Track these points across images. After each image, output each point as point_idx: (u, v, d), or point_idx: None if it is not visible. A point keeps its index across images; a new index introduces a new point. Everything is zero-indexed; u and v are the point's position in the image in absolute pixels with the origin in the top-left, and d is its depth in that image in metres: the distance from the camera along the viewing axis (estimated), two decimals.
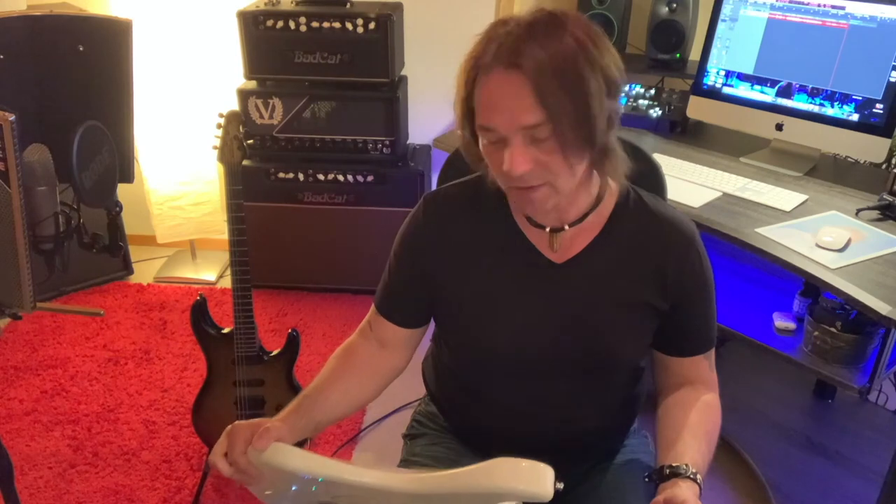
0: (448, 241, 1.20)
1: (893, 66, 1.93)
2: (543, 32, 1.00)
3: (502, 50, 1.00)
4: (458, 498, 1.00)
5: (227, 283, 3.14)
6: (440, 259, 1.21)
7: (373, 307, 1.30)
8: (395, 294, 1.27)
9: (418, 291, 1.24)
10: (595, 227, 1.17)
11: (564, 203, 1.12)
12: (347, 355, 1.28)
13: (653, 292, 1.16)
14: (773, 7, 2.11)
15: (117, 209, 2.12)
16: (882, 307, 1.51)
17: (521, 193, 1.06)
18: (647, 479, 1.11)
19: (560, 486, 0.94)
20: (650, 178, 1.32)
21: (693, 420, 1.17)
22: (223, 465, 1.08)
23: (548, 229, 1.15)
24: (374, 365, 1.27)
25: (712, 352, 1.24)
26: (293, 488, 1.11)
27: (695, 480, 1.06)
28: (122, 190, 2.13)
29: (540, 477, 0.93)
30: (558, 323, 1.17)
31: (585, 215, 1.15)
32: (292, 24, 2.62)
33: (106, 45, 2.09)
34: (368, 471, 1.05)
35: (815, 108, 2.08)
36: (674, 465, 1.08)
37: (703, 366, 1.23)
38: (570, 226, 1.15)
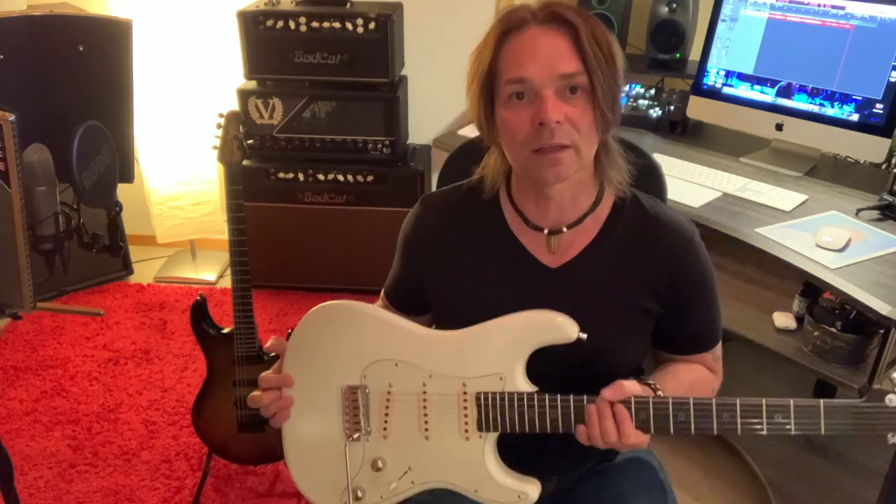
0: (443, 242, 1.22)
1: (893, 66, 1.93)
2: (569, 6, 1.05)
3: (537, 10, 1.05)
4: (488, 338, 1.12)
5: (227, 283, 3.14)
6: (435, 260, 1.22)
7: (383, 294, 1.37)
8: (398, 288, 1.33)
9: (417, 288, 1.27)
10: (591, 231, 1.17)
11: (569, 198, 1.13)
12: None
13: (646, 296, 1.16)
14: (773, 7, 2.11)
15: (117, 209, 2.12)
16: (882, 307, 1.51)
17: (547, 156, 1.05)
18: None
19: (583, 335, 1.08)
20: (650, 178, 1.32)
21: (681, 369, 1.20)
22: (256, 394, 1.18)
23: (546, 231, 1.16)
24: None
25: (718, 347, 1.24)
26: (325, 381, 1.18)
27: (654, 390, 1.09)
28: (122, 190, 2.13)
29: (567, 320, 1.09)
30: None
31: (584, 217, 1.15)
32: (292, 24, 2.62)
33: (106, 45, 2.09)
34: (414, 324, 1.18)
35: (815, 108, 2.08)
36: (643, 377, 1.13)
37: (706, 358, 1.23)
38: (569, 227, 1.15)
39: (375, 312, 1.18)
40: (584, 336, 1.07)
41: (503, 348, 1.10)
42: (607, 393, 1.05)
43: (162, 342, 2.74)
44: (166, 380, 2.54)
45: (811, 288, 1.87)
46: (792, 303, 1.94)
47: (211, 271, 3.19)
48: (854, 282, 1.59)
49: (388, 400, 1.16)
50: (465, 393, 1.11)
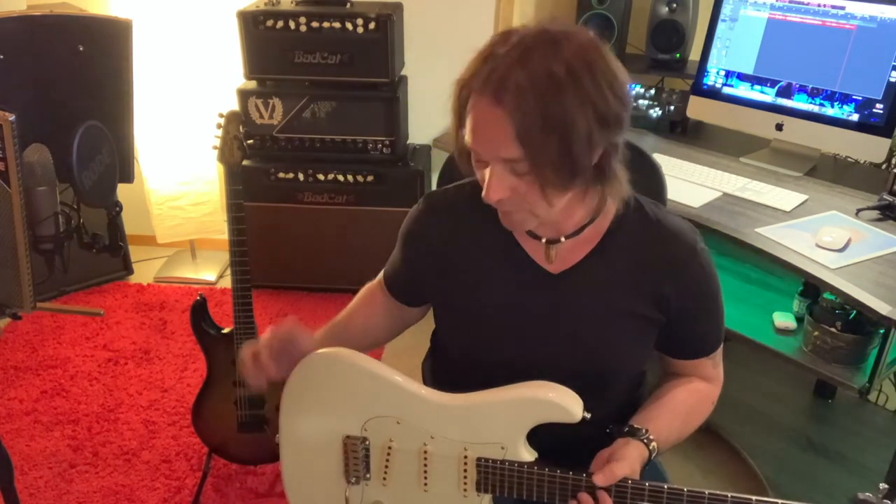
0: (445, 241, 1.21)
1: (893, 66, 1.93)
2: (538, 62, 0.96)
3: (492, 77, 0.98)
4: (493, 409, 1.11)
5: (227, 283, 3.14)
6: (436, 258, 1.21)
7: (380, 278, 1.36)
8: (398, 280, 1.32)
9: (418, 283, 1.27)
10: (594, 239, 1.15)
11: (553, 222, 1.12)
12: (369, 298, 1.37)
13: (649, 305, 1.15)
14: (773, 7, 2.11)
15: (117, 209, 2.12)
16: (882, 307, 1.51)
17: (501, 213, 1.09)
18: (607, 431, 1.15)
19: (587, 415, 1.07)
20: (650, 178, 1.31)
21: (678, 397, 1.20)
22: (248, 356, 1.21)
23: (544, 240, 1.15)
24: (390, 314, 1.35)
25: (718, 351, 1.24)
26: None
27: (647, 446, 1.11)
28: (122, 190, 2.13)
29: (573, 398, 1.07)
30: (554, 333, 1.16)
31: (583, 227, 1.14)
32: (292, 24, 2.62)
33: (106, 45, 2.09)
34: (417, 383, 1.17)
35: (815, 108, 2.08)
36: (636, 426, 1.13)
37: (706, 365, 1.23)
38: (567, 237, 1.14)
39: (379, 369, 1.17)
40: (588, 415, 1.07)
41: (505, 421, 1.10)
42: (599, 479, 1.06)
43: (162, 342, 2.74)
44: (166, 380, 2.54)
45: (811, 288, 1.87)
46: (792, 303, 1.94)
47: (211, 271, 3.19)
48: (854, 282, 1.59)
49: (388, 453, 1.16)
50: (465, 456, 1.12)
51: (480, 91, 0.99)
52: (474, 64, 1.02)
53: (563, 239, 1.14)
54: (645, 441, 1.11)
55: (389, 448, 1.15)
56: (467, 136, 1.03)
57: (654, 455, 1.11)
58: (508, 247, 1.17)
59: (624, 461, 1.07)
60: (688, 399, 1.21)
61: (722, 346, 1.24)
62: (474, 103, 1.00)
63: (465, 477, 1.12)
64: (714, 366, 1.24)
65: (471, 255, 1.19)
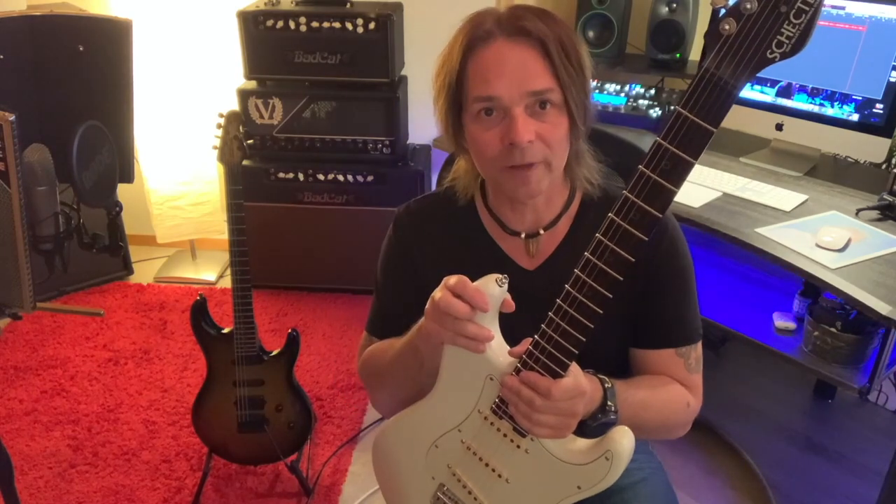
0: (422, 251, 1.22)
1: (893, 66, 1.93)
2: (536, 13, 1.03)
3: (503, 21, 1.02)
4: (453, 362, 1.09)
5: (227, 283, 3.14)
6: (419, 268, 1.21)
7: (366, 335, 1.31)
8: (389, 317, 1.26)
9: (412, 307, 1.24)
10: (564, 230, 1.18)
11: (543, 202, 1.14)
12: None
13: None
14: None
15: (117, 209, 2.12)
16: (882, 307, 1.51)
17: (517, 174, 1.05)
18: None
19: (502, 276, 0.99)
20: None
21: (651, 382, 1.15)
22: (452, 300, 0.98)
23: (523, 235, 1.16)
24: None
25: (692, 352, 1.18)
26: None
27: (603, 387, 1.03)
28: (122, 190, 2.13)
29: (485, 282, 1.00)
30: (534, 329, 1.15)
31: (559, 218, 1.16)
32: (292, 24, 2.62)
33: (106, 45, 2.09)
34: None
35: (815, 108, 2.08)
36: (599, 375, 1.05)
37: (678, 364, 1.18)
38: (545, 229, 1.16)
39: (388, 427, 1.20)
40: (503, 276, 0.99)
41: (466, 356, 1.04)
42: (514, 350, 0.99)
43: (162, 342, 2.74)
44: (166, 380, 2.54)
45: (811, 288, 1.87)
46: (792, 303, 1.94)
47: (211, 271, 3.19)
48: (854, 282, 1.59)
49: (458, 479, 1.14)
50: (486, 417, 1.08)
51: (490, 35, 1.02)
52: (467, 25, 1.05)
53: (541, 231, 1.16)
54: (604, 387, 1.04)
55: (454, 473, 1.14)
56: (478, 88, 1.02)
57: (608, 393, 1.04)
58: (487, 249, 1.19)
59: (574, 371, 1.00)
60: (661, 386, 1.15)
61: (699, 351, 1.19)
62: (485, 50, 1.02)
63: (506, 434, 1.06)
64: (688, 368, 1.18)
65: (448, 261, 1.17)
